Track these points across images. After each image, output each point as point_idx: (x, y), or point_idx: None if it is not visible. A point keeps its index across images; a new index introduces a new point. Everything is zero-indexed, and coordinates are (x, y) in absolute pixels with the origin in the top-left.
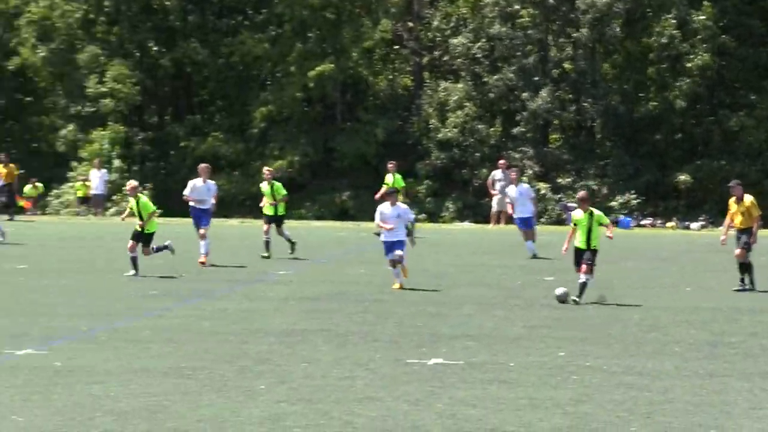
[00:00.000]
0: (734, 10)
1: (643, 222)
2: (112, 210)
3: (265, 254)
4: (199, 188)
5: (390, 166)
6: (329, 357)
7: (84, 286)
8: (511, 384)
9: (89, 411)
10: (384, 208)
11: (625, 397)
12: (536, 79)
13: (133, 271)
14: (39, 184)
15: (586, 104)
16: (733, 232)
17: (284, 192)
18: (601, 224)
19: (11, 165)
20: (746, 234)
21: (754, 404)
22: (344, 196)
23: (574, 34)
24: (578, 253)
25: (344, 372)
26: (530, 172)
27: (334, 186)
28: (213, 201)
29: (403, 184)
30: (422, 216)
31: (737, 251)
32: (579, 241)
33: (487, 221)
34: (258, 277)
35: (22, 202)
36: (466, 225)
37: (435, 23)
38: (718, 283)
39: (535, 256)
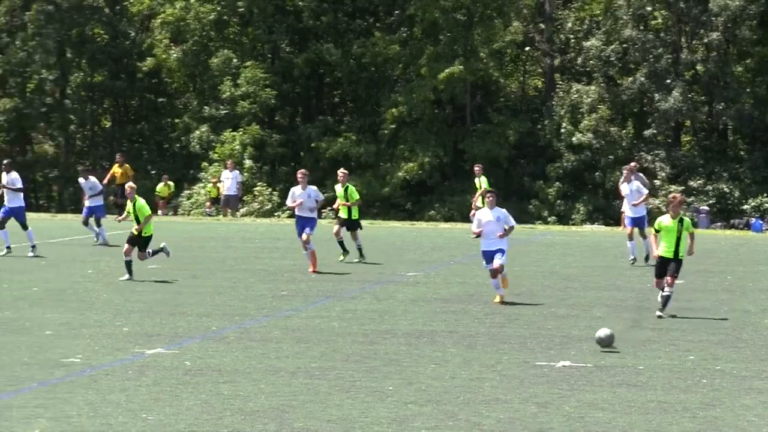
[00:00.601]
0: None
1: None
2: (243, 210)
3: (341, 257)
4: (298, 195)
5: (477, 169)
6: (457, 358)
7: (214, 286)
8: (640, 387)
9: (218, 410)
10: (482, 214)
11: (755, 402)
12: (668, 81)
13: (127, 276)
14: (171, 183)
15: (719, 107)
16: None
17: (357, 196)
18: (690, 233)
19: (126, 165)
20: None
21: None
22: (472, 199)
23: (707, 38)
24: (663, 263)
25: (472, 374)
26: (662, 174)
27: (464, 188)
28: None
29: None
30: (552, 219)
31: None
32: (664, 250)
33: (617, 224)
34: (387, 278)
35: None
36: (596, 227)
37: (568, 25)
38: None
39: (634, 260)
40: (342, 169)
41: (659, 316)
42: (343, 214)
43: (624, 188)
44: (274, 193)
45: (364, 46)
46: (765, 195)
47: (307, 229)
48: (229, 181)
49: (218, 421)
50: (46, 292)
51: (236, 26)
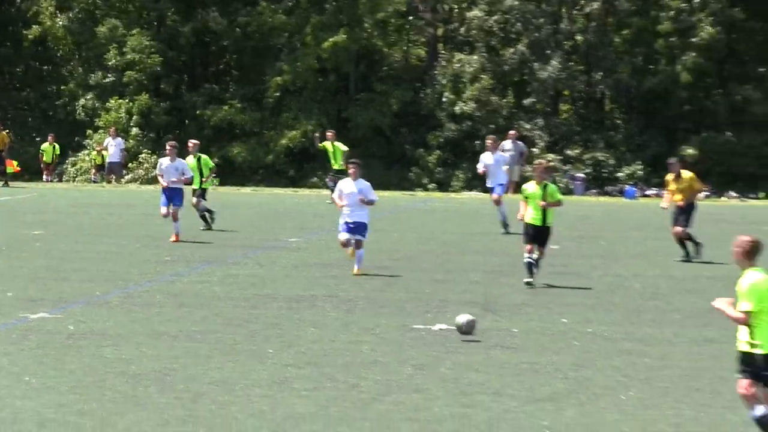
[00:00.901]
0: None
1: (647, 192)
2: (128, 177)
3: (204, 226)
4: (166, 167)
5: (329, 134)
6: (337, 322)
7: (98, 252)
8: (513, 349)
9: (101, 373)
10: (344, 185)
11: (625, 363)
12: (548, 51)
13: None
14: (56, 144)
15: (597, 76)
16: (668, 206)
17: (212, 164)
18: (554, 200)
19: (3, 133)
20: (685, 212)
21: None
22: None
23: (587, 9)
24: (532, 231)
25: (351, 337)
26: (540, 143)
27: (348, 155)
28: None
29: (342, 152)
30: (432, 186)
31: (676, 229)
32: (532, 217)
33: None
34: (269, 244)
35: (11, 168)
36: (475, 194)
37: None
38: (718, 252)
39: (506, 226)
40: (192, 140)
41: (528, 283)
42: (195, 185)
43: (488, 158)
44: (156, 160)
45: (250, 15)
46: (639, 163)
47: (174, 204)
48: (112, 149)
49: (101, 383)
50: None
51: None
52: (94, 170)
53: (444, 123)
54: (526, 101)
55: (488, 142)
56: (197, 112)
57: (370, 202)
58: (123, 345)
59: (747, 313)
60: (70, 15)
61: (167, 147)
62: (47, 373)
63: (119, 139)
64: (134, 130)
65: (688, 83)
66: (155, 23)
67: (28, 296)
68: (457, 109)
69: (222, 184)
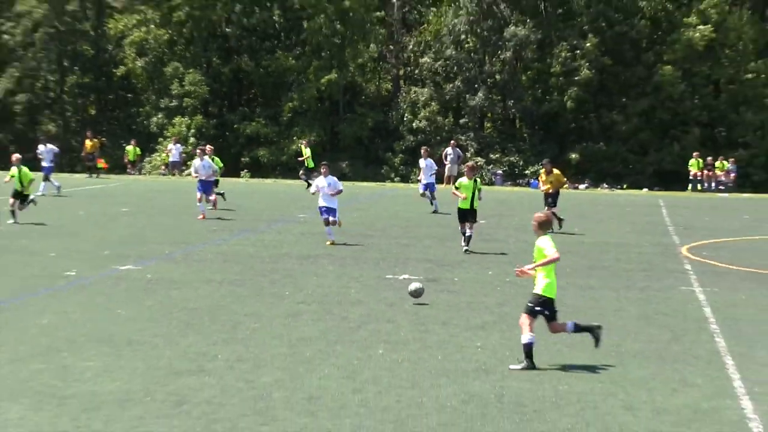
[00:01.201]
0: (611, 39)
1: None
2: (187, 172)
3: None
4: (198, 166)
5: (304, 142)
6: (332, 273)
7: (167, 224)
8: (455, 293)
9: (169, 308)
10: (319, 180)
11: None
12: (476, 86)
13: (12, 220)
14: (138, 148)
15: (509, 103)
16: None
17: (221, 165)
18: (479, 190)
19: (95, 140)
20: (552, 197)
21: (618, 307)
22: (344, 165)
23: (502, 56)
24: (463, 212)
25: (342, 283)
26: (471, 149)
27: (338, 158)
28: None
29: (309, 156)
30: (397, 179)
31: (547, 211)
32: (463, 203)
33: (440, 182)
34: (286, 219)
35: (101, 165)
36: None
37: (409, 47)
38: (596, 225)
39: (436, 211)
40: (208, 146)
41: (465, 251)
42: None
43: (421, 162)
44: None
45: (271, 60)
46: (539, 164)
47: (200, 192)
48: (174, 152)
49: (169, 315)
50: (51, 227)
51: (182, 45)
52: (163, 167)
53: (405, 135)
54: (461, 120)
55: (422, 150)
56: (234, 126)
57: (339, 192)
58: (184, 288)
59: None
60: (146, 59)
61: (198, 150)
62: (132, 308)
63: (179, 144)
64: (191, 140)
65: (572, 108)
66: (205, 65)
67: (119, 254)
68: (414, 125)
69: (252, 177)
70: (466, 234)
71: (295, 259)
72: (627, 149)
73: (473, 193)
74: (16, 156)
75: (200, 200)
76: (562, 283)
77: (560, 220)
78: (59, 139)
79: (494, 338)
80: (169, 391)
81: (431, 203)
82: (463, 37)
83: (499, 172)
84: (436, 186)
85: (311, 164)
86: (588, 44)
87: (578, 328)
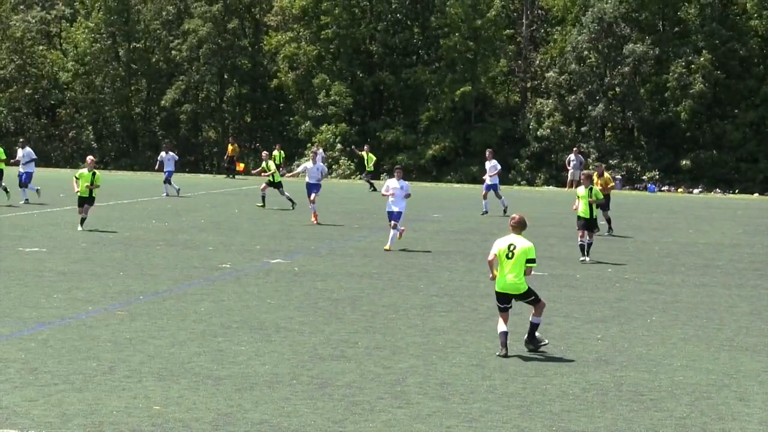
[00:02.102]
0: (724, 55)
1: (663, 188)
2: (333, 174)
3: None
4: (310, 169)
5: (366, 147)
6: (463, 268)
7: (311, 221)
8: (576, 288)
9: (314, 298)
10: (391, 183)
11: (649, 298)
12: (597, 98)
13: (80, 227)
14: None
15: (628, 114)
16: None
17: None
18: (597, 198)
19: (236, 144)
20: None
21: (731, 304)
22: (475, 169)
23: (622, 70)
24: (582, 221)
25: (472, 277)
26: (592, 156)
27: (470, 162)
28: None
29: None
30: (523, 183)
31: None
32: (582, 211)
33: (564, 186)
34: (420, 218)
35: (238, 168)
36: (551, 188)
37: (536, 62)
38: (709, 227)
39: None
40: (90, 157)
41: (582, 261)
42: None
43: (487, 165)
44: (351, 164)
45: (410, 73)
46: (656, 170)
47: (313, 194)
48: (319, 156)
49: (314, 305)
50: (209, 223)
51: (330, 60)
52: None
53: (531, 142)
54: (583, 128)
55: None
56: (377, 134)
57: (408, 196)
58: (328, 280)
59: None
60: (297, 72)
61: (310, 154)
62: (280, 297)
63: (321, 149)
64: (338, 146)
65: (686, 119)
66: (349, 78)
67: (269, 248)
68: (538, 134)
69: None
70: (586, 242)
71: (429, 254)
72: (737, 158)
73: (589, 202)
74: (91, 158)
75: (312, 201)
76: (677, 280)
77: (609, 222)
78: (218, 144)
79: (613, 331)
80: (313, 374)
81: (485, 207)
82: (585, 53)
83: (618, 177)
84: (498, 187)
85: (371, 168)
86: (702, 59)
87: (530, 336)
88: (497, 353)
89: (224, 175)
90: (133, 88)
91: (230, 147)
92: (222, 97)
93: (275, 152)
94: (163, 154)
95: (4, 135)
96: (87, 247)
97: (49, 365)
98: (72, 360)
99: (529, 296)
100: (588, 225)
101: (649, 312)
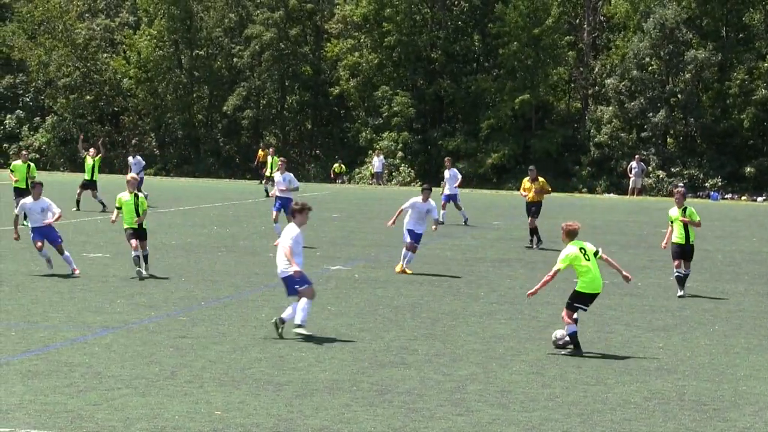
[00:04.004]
0: None
1: (726, 196)
2: (393, 182)
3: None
4: (278, 180)
5: (271, 150)
6: (524, 276)
7: (373, 227)
8: (639, 296)
9: (374, 305)
10: (418, 203)
11: (712, 307)
12: (658, 104)
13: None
14: (343, 165)
15: (690, 120)
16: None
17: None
18: (693, 219)
19: (266, 150)
20: (536, 206)
21: None
22: None
23: (685, 77)
24: (678, 248)
25: (532, 285)
26: (653, 163)
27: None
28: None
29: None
30: (584, 190)
31: (529, 221)
32: (677, 236)
33: (625, 194)
34: (480, 225)
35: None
36: (610, 195)
37: (596, 69)
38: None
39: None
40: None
41: (680, 296)
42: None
43: (447, 174)
44: (411, 171)
45: (470, 81)
46: (719, 177)
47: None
48: (377, 164)
49: (374, 312)
50: (269, 229)
51: (391, 68)
52: (370, 177)
53: (591, 149)
54: (644, 134)
55: (446, 161)
56: (438, 142)
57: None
58: (388, 287)
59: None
60: (357, 80)
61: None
62: (340, 304)
63: (382, 157)
64: (399, 153)
65: (749, 126)
66: (411, 87)
67: (329, 255)
68: (598, 140)
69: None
70: (682, 274)
71: (489, 262)
72: None
73: (685, 225)
74: (132, 176)
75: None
76: (741, 289)
77: (538, 236)
78: (279, 151)
79: (675, 339)
80: (373, 381)
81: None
82: (646, 59)
83: (680, 184)
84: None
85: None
86: (766, 65)
87: (572, 338)
88: (574, 353)
89: (258, 182)
90: (195, 95)
91: (261, 152)
92: (283, 103)
93: (335, 165)
94: (130, 158)
95: (69, 141)
96: (149, 253)
97: (112, 370)
98: (135, 365)
99: None
100: (684, 253)
101: (711, 321)
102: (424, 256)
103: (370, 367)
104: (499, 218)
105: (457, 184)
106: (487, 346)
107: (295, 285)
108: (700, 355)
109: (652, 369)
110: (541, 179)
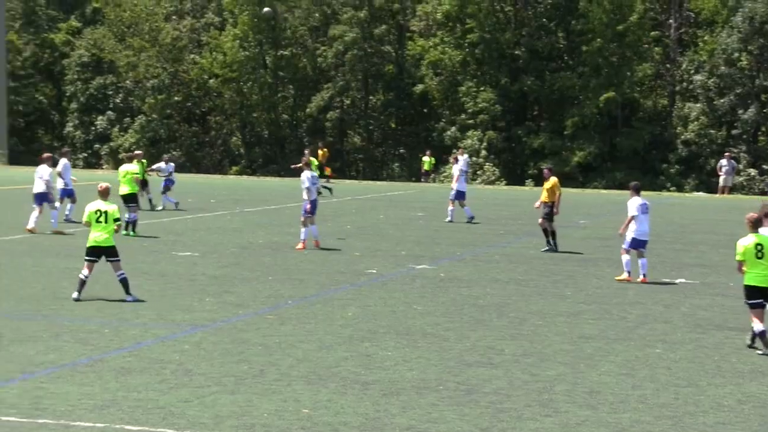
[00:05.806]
0: None
1: None
2: (478, 180)
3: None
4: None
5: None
6: (611, 275)
7: (458, 226)
8: (731, 297)
9: (460, 304)
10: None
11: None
12: (748, 101)
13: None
14: (432, 158)
15: None
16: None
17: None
18: None
19: (325, 149)
20: (549, 206)
21: None
22: (620, 175)
23: None
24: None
25: (621, 285)
26: (744, 161)
27: (616, 168)
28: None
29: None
30: (673, 188)
31: (540, 220)
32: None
33: (715, 192)
34: (566, 224)
35: (327, 172)
36: (700, 194)
37: (683, 66)
38: None
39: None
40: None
41: (750, 345)
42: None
43: (454, 169)
44: (495, 170)
45: (554, 79)
46: None
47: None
48: (461, 161)
49: (460, 311)
50: (355, 228)
51: (474, 65)
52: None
53: (678, 147)
54: (734, 131)
55: (451, 159)
56: (523, 140)
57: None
58: (474, 286)
59: None
60: (441, 78)
61: (450, 159)
62: (427, 303)
63: (465, 155)
64: (483, 152)
65: None
66: (495, 85)
67: (415, 254)
68: (685, 137)
69: (535, 185)
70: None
71: (575, 261)
72: None
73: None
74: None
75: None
76: None
77: (554, 240)
78: (363, 150)
79: None
80: (459, 381)
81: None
82: (736, 55)
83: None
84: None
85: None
86: None
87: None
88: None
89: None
90: (280, 95)
91: (320, 152)
92: (367, 103)
93: (425, 159)
94: (162, 164)
95: (157, 142)
96: (237, 252)
97: (202, 367)
98: (224, 362)
99: None
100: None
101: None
102: (509, 255)
103: (457, 367)
104: (585, 217)
105: (457, 177)
106: (575, 346)
107: None
108: None
109: (745, 371)
110: (553, 179)
